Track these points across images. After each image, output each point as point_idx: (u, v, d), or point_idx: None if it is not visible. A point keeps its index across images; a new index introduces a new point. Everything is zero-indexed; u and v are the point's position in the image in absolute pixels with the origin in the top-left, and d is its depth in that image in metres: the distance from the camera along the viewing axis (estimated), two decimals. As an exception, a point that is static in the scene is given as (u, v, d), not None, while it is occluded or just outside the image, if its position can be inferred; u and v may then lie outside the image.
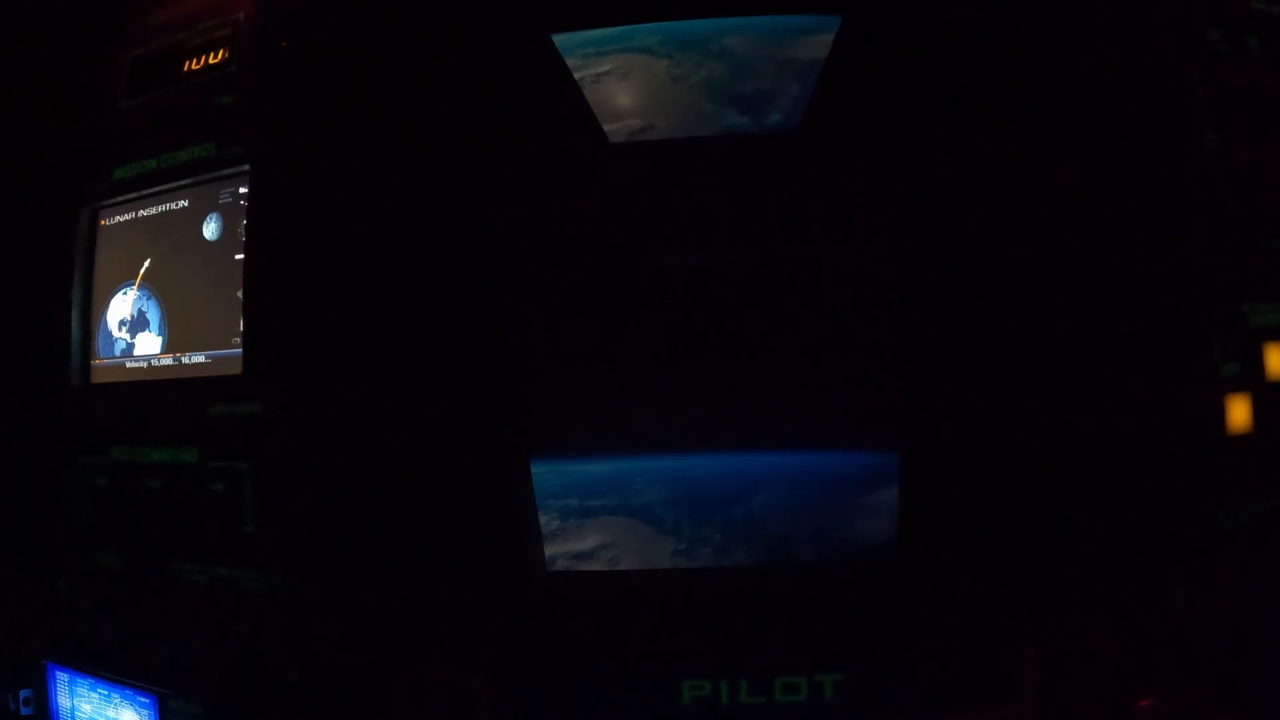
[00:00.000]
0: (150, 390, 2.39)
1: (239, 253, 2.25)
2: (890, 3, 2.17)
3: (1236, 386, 2.01)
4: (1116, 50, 2.10)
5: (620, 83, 2.24)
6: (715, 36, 2.22)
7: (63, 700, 2.53)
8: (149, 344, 2.44)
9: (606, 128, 2.22)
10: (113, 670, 2.43)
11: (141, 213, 2.47)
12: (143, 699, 2.35)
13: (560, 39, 2.21)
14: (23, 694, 2.59)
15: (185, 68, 2.43)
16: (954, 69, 2.12)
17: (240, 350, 2.22)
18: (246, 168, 2.25)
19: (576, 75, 2.22)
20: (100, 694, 2.44)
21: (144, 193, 2.45)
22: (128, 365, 2.47)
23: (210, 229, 2.33)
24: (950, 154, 2.12)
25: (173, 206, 2.40)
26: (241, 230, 2.24)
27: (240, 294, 2.23)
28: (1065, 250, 2.09)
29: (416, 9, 2.23)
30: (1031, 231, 2.10)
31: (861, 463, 2.18)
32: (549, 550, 2.18)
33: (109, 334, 2.51)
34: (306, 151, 2.20)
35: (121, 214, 2.51)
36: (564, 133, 2.24)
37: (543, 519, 2.19)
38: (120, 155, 2.49)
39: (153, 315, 2.43)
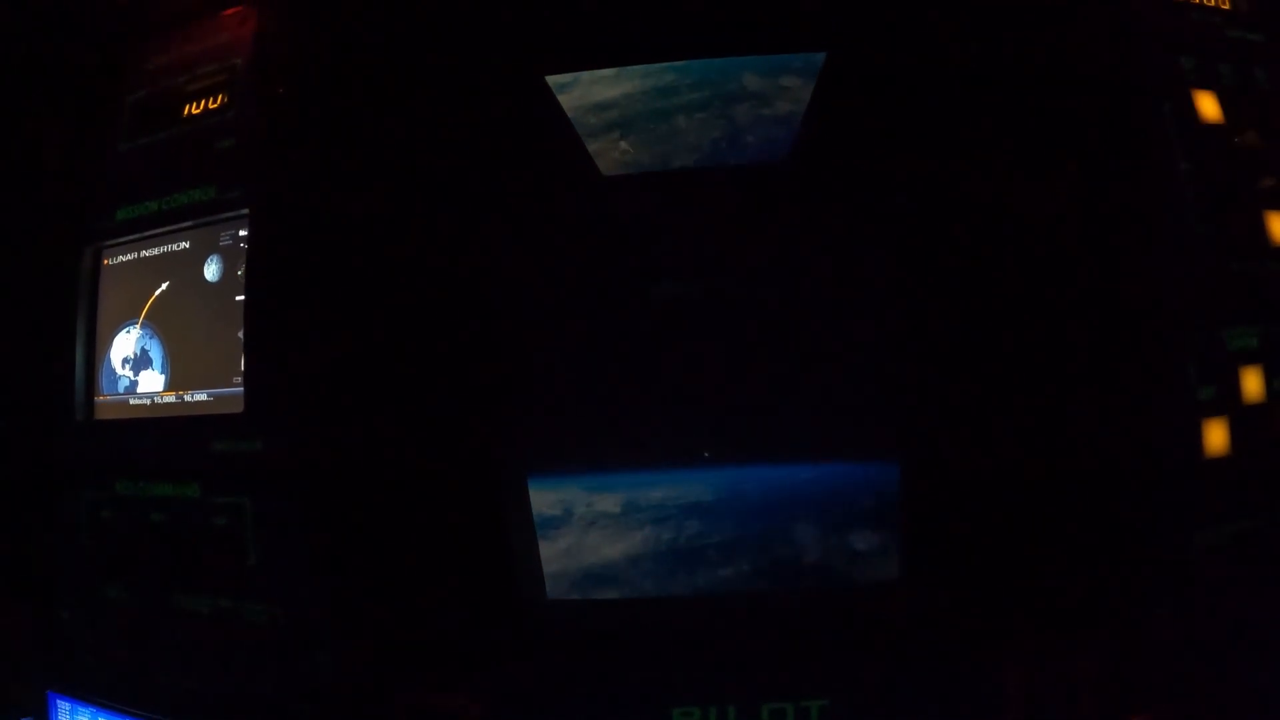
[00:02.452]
0: (153, 427, 2.44)
1: (239, 294, 2.29)
2: (873, 39, 2.23)
3: (1213, 410, 2.04)
4: (1091, 80, 2.15)
5: (612, 118, 2.30)
6: (705, 75, 2.29)
7: (64, 729, 2.55)
8: (152, 382, 2.48)
9: (599, 161, 2.27)
10: (115, 700, 2.45)
11: (144, 253, 2.52)
12: (144, 728, 2.38)
13: (554, 80, 2.28)
14: (24, 723, 2.62)
15: (185, 111, 2.48)
16: (935, 100, 2.18)
17: (241, 389, 2.27)
18: (246, 211, 2.30)
19: (570, 113, 2.27)
20: (102, 723, 2.47)
21: (146, 234, 2.50)
22: (131, 402, 2.51)
23: (211, 270, 2.38)
24: (933, 183, 2.17)
25: (174, 248, 2.46)
26: (242, 272, 2.30)
27: (241, 334, 2.28)
28: (1044, 277, 2.14)
29: (413, 53, 2.29)
30: (1011, 258, 2.15)
31: (854, 483, 2.21)
32: (546, 578, 2.23)
33: (113, 371, 2.56)
34: (305, 195, 2.26)
35: (124, 254, 2.56)
36: (560, 167, 2.29)
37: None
38: (123, 197, 2.54)
39: (155, 354, 2.48)
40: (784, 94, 2.28)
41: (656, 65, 2.27)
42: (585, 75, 2.28)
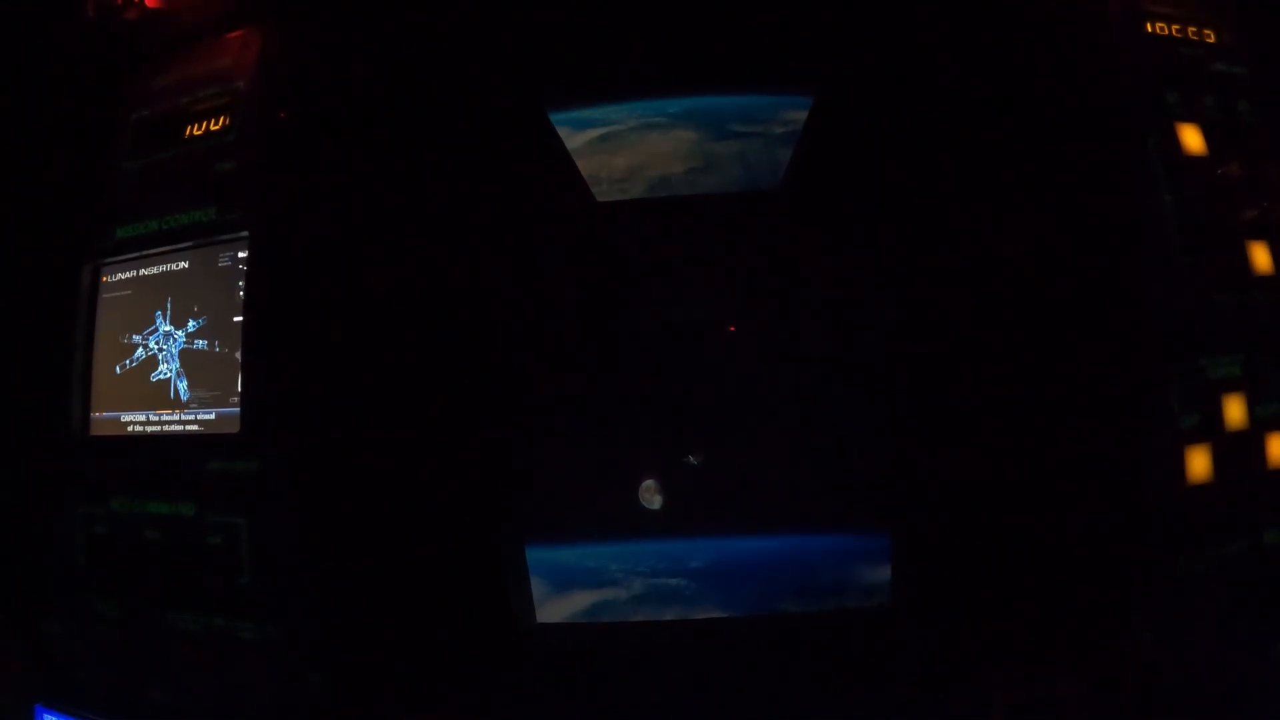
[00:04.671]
0: (150, 445, 2.44)
1: (237, 315, 2.31)
2: (862, 76, 2.28)
3: (1196, 437, 2.07)
4: (1077, 114, 2.20)
5: (616, 153, 2.34)
6: (698, 112, 2.33)
7: (50, 743, 2.54)
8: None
9: (597, 195, 2.31)
10: (103, 714, 2.45)
11: (143, 272, 2.53)
12: (132, 743, 2.38)
13: (557, 117, 2.32)
14: (9, 736, 2.60)
15: (187, 133, 2.50)
16: (923, 138, 2.22)
17: (239, 409, 2.28)
18: (246, 233, 2.32)
19: (571, 148, 2.31)
20: (89, 738, 2.46)
21: (145, 253, 2.51)
22: (125, 419, 2.51)
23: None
24: (921, 226, 2.22)
25: (173, 267, 2.47)
26: (240, 294, 2.31)
27: (239, 355, 2.30)
28: (1029, 305, 2.18)
29: (413, 81, 2.32)
30: (996, 287, 2.20)
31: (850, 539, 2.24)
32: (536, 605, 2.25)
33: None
34: (304, 219, 2.29)
35: (123, 272, 2.56)
36: (560, 210, 2.32)
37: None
38: (123, 215, 2.55)
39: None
40: (774, 128, 2.32)
41: (652, 101, 2.31)
42: (586, 111, 2.31)
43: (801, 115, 2.29)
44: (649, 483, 2.25)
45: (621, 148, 2.33)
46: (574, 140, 2.32)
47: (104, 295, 2.59)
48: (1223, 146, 2.22)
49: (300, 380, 2.24)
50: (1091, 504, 2.10)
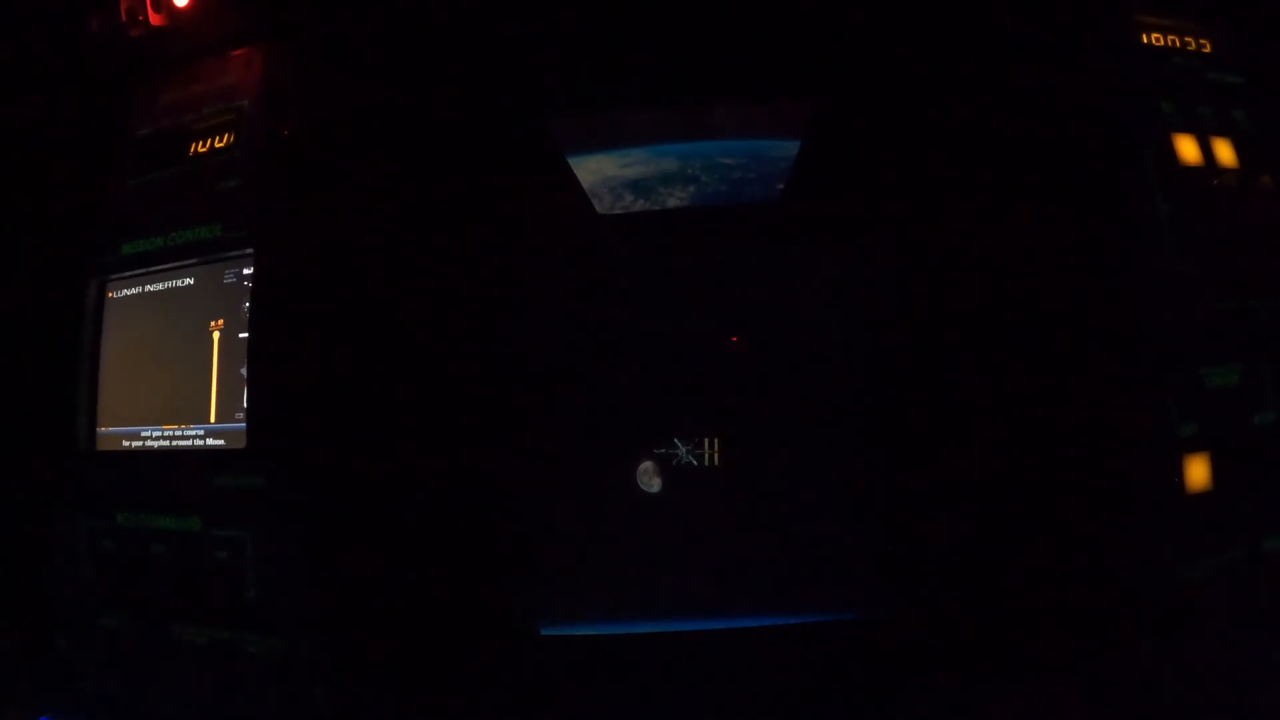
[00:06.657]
0: (156, 460, 2.46)
1: (243, 331, 2.33)
2: (858, 89, 2.30)
3: (1195, 446, 2.08)
4: (1074, 125, 2.22)
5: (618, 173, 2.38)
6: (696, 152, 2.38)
7: (57, 756, 2.54)
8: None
9: (600, 210, 2.34)
10: (109, 727, 2.44)
11: (148, 287, 2.55)
12: (140, 756, 2.38)
13: (561, 124, 2.35)
14: (16, 748, 2.61)
15: (191, 150, 2.52)
16: (918, 158, 2.24)
17: (244, 425, 2.29)
18: (250, 250, 2.34)
19: (574, 166, 2.33)
20: (97, 751, 2.46)
21: (151, 269, 2.53)
22: (131, 434, 2.53)
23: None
24: (919, 239, 2.25)
25: (178, 283, 2.49)
26: (245, 310, 2.33)
27: (244, 371, 2.31)
28: (1027, 316, 2.20)
29: (416, 99, 2.34)
30: (994, 303, 2.22)
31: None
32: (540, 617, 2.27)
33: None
34: (309, 237, 2.30)
35: (129, 288, 2.58)
36: (563, 225, 2.34)
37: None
38: (128, 231, 2.57)
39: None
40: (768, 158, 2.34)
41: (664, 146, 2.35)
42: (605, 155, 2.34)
43: (798, 130, 2.31)
44: (646, 464, 2.25)
45: (623, 170, 2.36)
46: (576, 159, 2.34)
47: (110, 310, 2.61)
48: (1219, 156, 2.24)
49: (306, 396, 2.25)
50: (1091, 513, 2.10)
